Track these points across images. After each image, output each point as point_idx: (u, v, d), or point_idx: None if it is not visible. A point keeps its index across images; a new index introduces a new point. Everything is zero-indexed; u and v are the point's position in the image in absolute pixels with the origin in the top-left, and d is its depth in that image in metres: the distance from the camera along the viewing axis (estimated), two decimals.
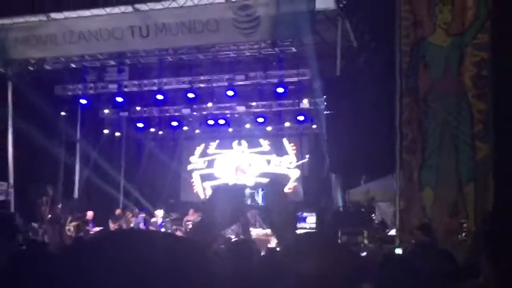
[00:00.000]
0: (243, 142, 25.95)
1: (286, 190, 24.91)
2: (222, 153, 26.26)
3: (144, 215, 21.94)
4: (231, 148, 26.11)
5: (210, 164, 26.35)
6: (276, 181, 24.30)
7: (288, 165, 25.34)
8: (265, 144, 25.73)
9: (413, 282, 3.95)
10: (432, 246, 6.59)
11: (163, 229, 20.27)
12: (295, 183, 25.10)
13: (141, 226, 21.05)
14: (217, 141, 26.25)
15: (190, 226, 20.02)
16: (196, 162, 26.54)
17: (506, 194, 12.08)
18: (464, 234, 12.63)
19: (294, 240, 2.99)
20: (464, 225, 12.91)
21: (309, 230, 17.88)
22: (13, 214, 20.01)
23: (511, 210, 2.89)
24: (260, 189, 21.32)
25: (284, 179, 25.09)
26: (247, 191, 21.46)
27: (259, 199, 21.48)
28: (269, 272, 3.23)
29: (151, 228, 20.55)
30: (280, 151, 25.50)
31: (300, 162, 25.13)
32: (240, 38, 18.56)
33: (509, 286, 2.71)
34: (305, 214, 20.62)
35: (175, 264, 2.73)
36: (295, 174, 25.20)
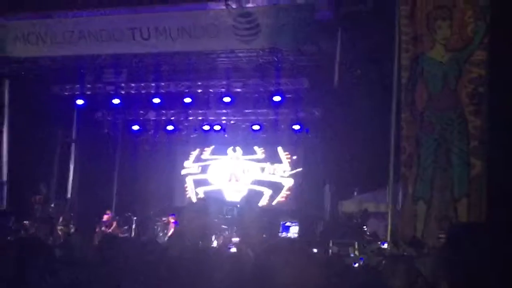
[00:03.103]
0: (238, 149, 25.94)
1: (279, 198, 24.96)
2: (217, 159, 26.24)
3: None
4: (226, 154, 26.10)
5: (204, 169, 26.32)
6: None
7: (282, 173, 25.33)
8: (259, 152, 25.73)
9: None
10: (400, 259, 6.59)
11: None
12: (288, 192, 25.09)
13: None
14: (212, 147, 26.21)
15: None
16: (190, 167, 26.51)
17: (499, 212, 12.12)
18: None
19: (264, 250, 3.03)
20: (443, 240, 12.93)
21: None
22: (4, 212, 20.04)
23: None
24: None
25: (277, 187, 25.12)
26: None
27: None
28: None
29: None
30: (274, 159, 25.48)
31: (294, 171, 25.13)
32: (239, 45, 18.61)
33: None
34: (287, 224, 20.60)
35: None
36: (288, 183, 25.19)
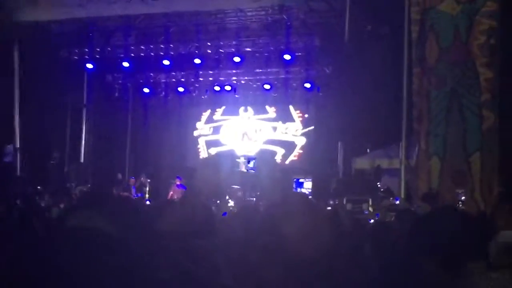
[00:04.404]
0: (249, 108, 25.85)
1: (292, 157, 24.94)
2: (228, 119, 26.18)
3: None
4: (237, 114, 26.03)
5: (216, 130, 26.27)
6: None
7: (294, 132, 25.25)
8: (271, 111, 25.64)
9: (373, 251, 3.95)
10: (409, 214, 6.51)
11: None
12: (301, 151, 25.05)
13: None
14: (223, 107, 26.14)
15: None
16: (202, 128, 26.46)
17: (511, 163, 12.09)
18: (460, 204, 12.60)
19: (279, 200, 2.98)
20: (462, 195, 12.92)
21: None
22: (18, 178, 20.12)
23: None
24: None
25: (290, 146, 25.09)
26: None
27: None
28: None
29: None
30: (286, 118, 25.40)
31: (306, 130, 25.04)
32: (248, 4, 18.48)
33: None
34: (301, 180, 20.64)
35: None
36: (301, 141, 25.13)
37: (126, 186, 21.66)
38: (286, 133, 25.32)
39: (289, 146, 25.06)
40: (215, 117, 26.33)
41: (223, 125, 26.21)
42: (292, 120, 25.29)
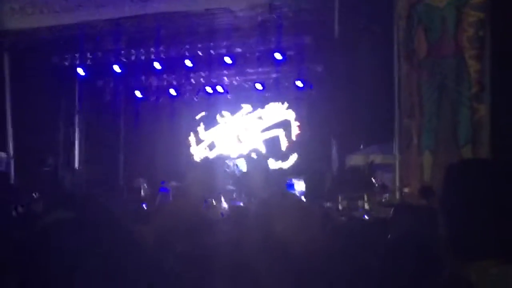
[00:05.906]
0: (242, 109, 25.78)
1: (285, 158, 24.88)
2: (221, 120, 26.13)
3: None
4: (230, 115, 25.97)
5: (210, 132, 26.21)
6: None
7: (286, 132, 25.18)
8: (264, 111, 25.55)
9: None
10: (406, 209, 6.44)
11: None
12: (294, 151, 24.97)
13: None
14: (216, 109, 26.03)
15: None
16: (195, 132, 26.37)
17: (503, 155, 12.07)
18: None
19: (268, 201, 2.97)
20: None
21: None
22: (12, 186, 20.05)
23: None
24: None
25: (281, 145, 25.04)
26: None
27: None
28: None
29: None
30: (280, 118, 25.31)
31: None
32: (237, 4, 18.45)
33: None
34: (293, 181, 20.52)
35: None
36: (293, 140, 25.06)
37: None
38: (277, 130, 25.20)
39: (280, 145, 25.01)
40: (207, 119, 26.19)
41: (216, 126, 26.13)
42: (288, 121, 25.14)
